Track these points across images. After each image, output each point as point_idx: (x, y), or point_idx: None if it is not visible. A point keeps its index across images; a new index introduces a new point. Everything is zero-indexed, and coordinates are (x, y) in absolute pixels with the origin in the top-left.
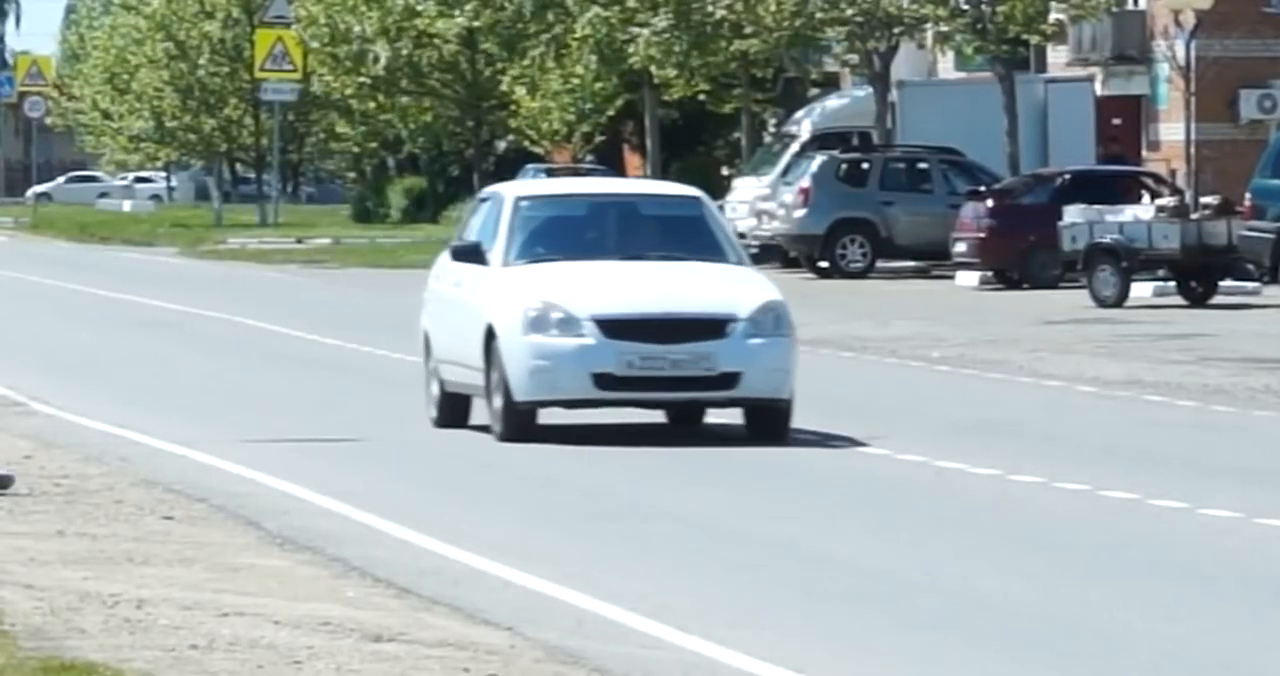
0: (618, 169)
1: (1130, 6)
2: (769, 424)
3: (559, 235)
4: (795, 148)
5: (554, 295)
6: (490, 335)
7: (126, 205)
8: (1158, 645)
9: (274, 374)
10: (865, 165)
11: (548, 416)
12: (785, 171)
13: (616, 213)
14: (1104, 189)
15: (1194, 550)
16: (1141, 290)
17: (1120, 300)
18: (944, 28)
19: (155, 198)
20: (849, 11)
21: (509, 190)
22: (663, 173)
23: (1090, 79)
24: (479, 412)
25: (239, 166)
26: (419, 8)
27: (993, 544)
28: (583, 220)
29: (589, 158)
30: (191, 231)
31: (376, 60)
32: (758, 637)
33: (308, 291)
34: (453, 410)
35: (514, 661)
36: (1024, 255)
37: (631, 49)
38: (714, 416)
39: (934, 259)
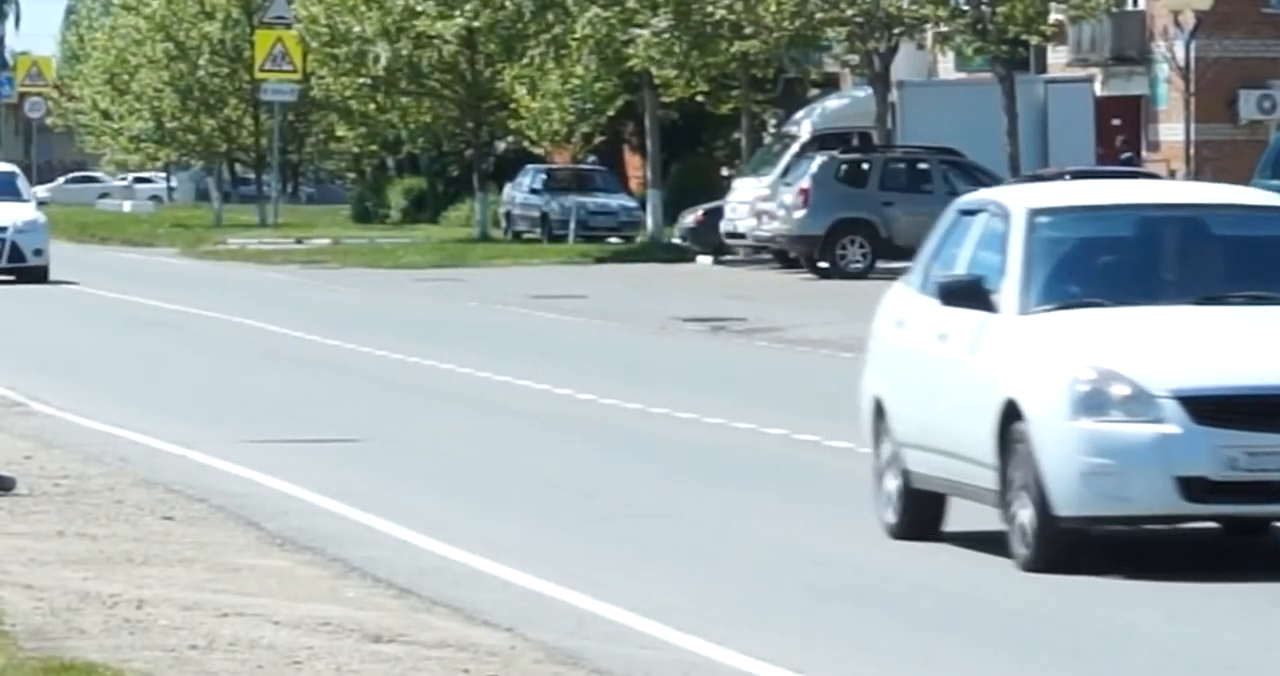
0: (617, 170)
1: (1130, 7)
2: None
3: (1099, 267)
4: (795, 148)
5: (1112, 359)
6: (1010, 416)
7: (126, 206)
8: (1158, 645)
9: (274, 374)
10: (865, 166)
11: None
12: (785, 172)
13: (1178, 233)
14: None
15: (1193, 550)
16: None
17: None
18: (944, 28)
19: (155, 198)
20: (849, 12)
21: (1015, 200)
22: (663, 173)
23: (1090, 79)
24: (961, 516)
25: (239, 167)
26: (419, 8)
27: (993, 544)
28: (1130, 244)
29: (590, 158)
30: (191, 232)
31: (376, 61)
32: (758, 637)
33: (308, 291)
34: (920, 514)
35: (514, 662)
36: None
37: (631, 49)
38: None
39: None
